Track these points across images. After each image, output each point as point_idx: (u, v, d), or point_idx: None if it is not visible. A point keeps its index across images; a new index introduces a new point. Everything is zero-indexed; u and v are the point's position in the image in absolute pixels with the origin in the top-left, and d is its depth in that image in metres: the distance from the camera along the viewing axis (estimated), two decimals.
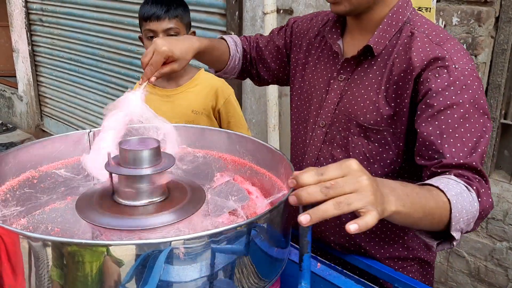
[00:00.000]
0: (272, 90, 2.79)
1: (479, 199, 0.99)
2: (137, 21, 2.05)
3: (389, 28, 1.20)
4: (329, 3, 1.22)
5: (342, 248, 1.32)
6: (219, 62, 1.50)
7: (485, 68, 2.20)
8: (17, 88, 5.66)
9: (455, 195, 0.93)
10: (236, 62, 1.53)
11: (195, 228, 0.97)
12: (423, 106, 1.10)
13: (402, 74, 1.16)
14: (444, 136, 1.06)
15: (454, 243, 0.97)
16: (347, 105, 1.24)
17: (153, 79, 1.21)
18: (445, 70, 1.09)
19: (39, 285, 0.79)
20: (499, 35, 2.15)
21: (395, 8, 1.21)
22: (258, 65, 1.54)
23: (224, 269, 0.82)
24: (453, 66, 1.09)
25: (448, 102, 1.07)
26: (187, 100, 2.03)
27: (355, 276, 1.07)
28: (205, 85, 2.03)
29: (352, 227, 0.71)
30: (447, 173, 1.02)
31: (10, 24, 5.39)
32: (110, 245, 0.75)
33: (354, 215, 1.26)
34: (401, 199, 0.82)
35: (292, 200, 0.74)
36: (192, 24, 3.32)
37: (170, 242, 0.76)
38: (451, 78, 1.08)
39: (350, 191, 0.72)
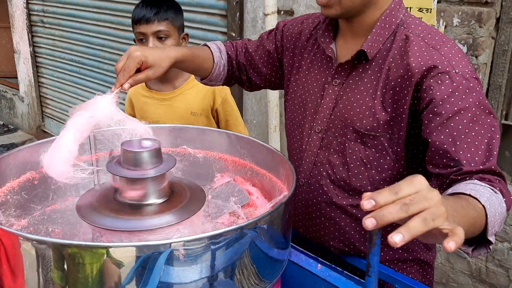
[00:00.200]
0: (273, 91, 2.79)
1: (504, 199, 1.00)
2: None
3: (383, 31, 1.19)
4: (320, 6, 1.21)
5: (342, 252, 1.32)
6: (203, 70, 1.47)
7: (485, 69, 2.20)
8: (18, 89, 5.66)
9: (487, 200, 0.94)
10: (221, 69, 1.50)
11: (196, 229, 0.97)
12: (431, 115, 1.09)
13: (399, 80, 1.15)
14: (458, 143, 1.06)
15: (491, 247, 0.96)
16: (343, 110, 1.23)
17: (126, 85, 1.16)
18: (447, 76, 1.09)
19: (39, 286, 0.79)
20: (499, 36, 2.14)
21: (387, 11, 1.19)
22: (249, 71, 1.51)
23: (225, 270, 0.82)
24: (454, 71, 1.09)
25: (456, 108, 1.07)
26: (185, 103, 2.02)
27: (355, 277, 1.07)
28: (202, 86, 2.03)
29: (451, 245, 0.69)
30: (468, 178, 1.02)
31: (12, 25, 5.39)
32: (110, 246, 0.75)
33: (352, 218, 1.27)
34: (452, 216, 0.81)
35: (371, 223, 0.70)
36: (193, 25, 3.34)
37: (170, 243, 0.76)
38: (454, 84, 1.08)
39: (428, 206, 0.71)
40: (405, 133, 1.16)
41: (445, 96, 1.08)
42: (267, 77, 1.50)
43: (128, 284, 0.76)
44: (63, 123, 5.54)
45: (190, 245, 0.76)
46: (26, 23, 5.10)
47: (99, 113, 1.03)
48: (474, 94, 1.08)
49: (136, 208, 0.96)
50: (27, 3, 5.00)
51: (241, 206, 1.15)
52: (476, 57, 2.15)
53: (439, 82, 1.09)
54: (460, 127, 1.06)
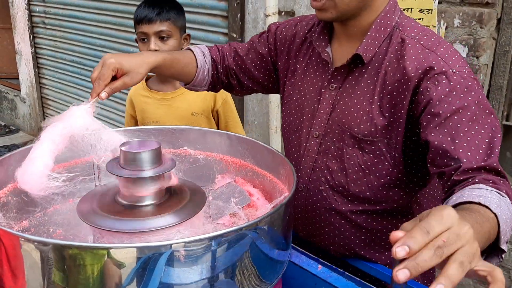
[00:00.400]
0: None
1: (511, 202, 0.95)
2: None
3: (378, 34, 1.17)
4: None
5: (343, 255, 1.32)
6: (185, 75, 1.43)
7: (487, 69, 2.20)
8: (20, 90, 5.67)
9: (497, 206, 0.88)
10: (205, 74, 1.45)
11: (196, 230, 0.97)
12: (428, 116, 1.07)
13: (396, 84, 1.13)
14: (456, 141, 1.02)
15: (503, 256, 0.91)
16: (340, 115, 1.22)
17: (103, 95, 1.13)
18: (444, 76, 1.07)
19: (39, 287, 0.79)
20: (500, 37, 2.14)
21: (382, 13, 1.18)
22: (239, 75, 1.47)
23: (225, 271, 0.82)
24: (451, 70, 1.07)
25: (454, 108, 1.04)
26: (186, 103, 2.03)
27: (356, 278, 1.07)
28: None
29: None
30: (471, 179, 0.98)
31: (13, 26, 5.40)
32: (111, 248, 0.75)
33: (351, 223, 1.26)
34: None
35: (404, 276, 0.60)
36: (194, 26, 3.34)
37: (171, 244, 0.76)
38: (451, 83, 1.06)
39: (461, 245, 0.64)
40: (403, 138, 1.15)
41: (442, 96, 1.05)
42: (259, 80, 1.47)
43: (128, 285, 0.76)
44: None
45: (191, 246, 0.76)
46: (28, 25, 5.10)
47: (74, 124, 1.01)
48: (473, 93, 1.05)
49: (137, 209, 0.96)
50: (29, 4, 5.01)
51: (242, 207, 1.14)
52: (477, 58, 2.15)
53: (436, 83, 1.07)
54: (458, 125, 1.03)
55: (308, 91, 1.31)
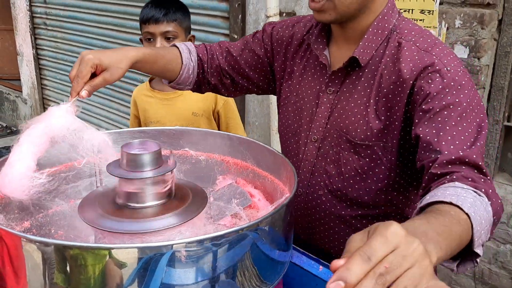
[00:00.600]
0: None
1: (490, 202, 0.91)
2: (139, 25, 2.06)
3: (375, 37, 1.16)
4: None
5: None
6: (169, 72, 1.36)
7: (488, 70, 2.20)
8: (21, 91, 5.68)
9: (471, 206, 0.84)
10: (190, 72, 1.39)
11: (197, 231, 0.97)
12: (420, 113, 1.06)
13: (392, 87, 1.12)
14: (441, 134, 1.01)
15: (478, 260, 0.86)
16: (338, 120, 1.21)
17: (84, 93, 1.09)
18: (437, 74, 1.06)
19: None
20: (502, 38, 2.14)
21: (380, 16, 1.17)
22: (233, 75, 1.43)
23: (226, 272, 0.82)
24: (445, 68, 1.06)
25: (444, 103, 1.03)
26: (187, 103, 2.04)
27: None
28: None
29: None
30: (449, 176, 0.95)
31: (15, 27, 5.41)
32: (112, 248, 0.75)
33: (351, 228, 1.25)
34: (436, 242, 0.71)
35: None
36: (195, 27, 3.34)
37: (172, 245, 0.76)
38: (445, 81, 1.05)
39: (409, 266, 0.58)
40: (399, 141, 1.14)
41: (435, 93, 1.05)
42: (254, 81, 1.44)
43: (130, 286, 0.76)
44: None
45: (192, 247, 0.76)
46: (29, 26, 5.11)
47: (54, 124, 0.98)
48: (465, 91, 1.05)
49: (138, 210, 0.96)
50: (30, 5, 5.02)
51: (243, 208, 1.14)
52: (478, 59, 2.15)
53: (430, 81, 1.06)
54: (446, 119, 1.02)
55: (306, 95, 1.29)
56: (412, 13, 2.19)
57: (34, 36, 5.14)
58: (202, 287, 0.80)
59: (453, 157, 0.97)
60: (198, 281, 0.79)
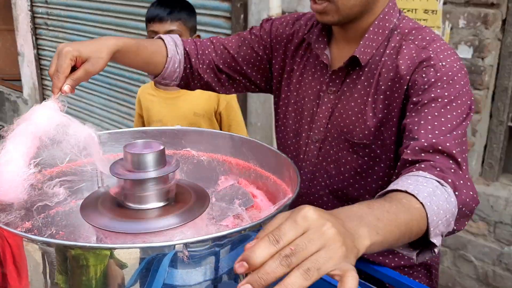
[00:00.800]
0: None
1: (456, 193, 0.91)
2: (141, 24, 2.08)
3: (375, 36, 1.17)
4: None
5: None
6: (153, 65, 1.30)
7: (492, 71, 2.19)
8: (22, 92, 5.68)
9: (428, 195, 0.84)
10: (176, 65, 1.33)
11: (200, 231, 0.97)
12: (411, 106, 1.07)
13: (389, 83, 1.13)
14: (422, 122, 1.01)
15: (436, 250, 0.87)
16: (339, 119, 1.21)
17: (66, 88, 1.04)
18: (432, 69, 1.07)
19: None
20: (506, 38, 2.14)
21: (381, 15, 1.17)
22: (229, 71, 1.38)
23: (229, 273, 0.82)
24: (440, 63, 1.07)
25: (433, 95, 1.04)
26: (189, 103, 2.04)
27: (360, 280, 1.06)
28: None
29: None
30: (417, 164, 0.95)
31: (16, 28, 5.42)
32: (114, 248, 0.75)
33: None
34: (373, 226, 0.71)
35: None
36: (197, 27, 3.34)
37: (174, 245, 0.75)
38: (438, 74, 1.06)
39: (316, 249, 0.59)
40: (396, 137, 1.14)
41: (426, 86, 1.05)
42: (252, 79, 1.40)
43: (132, 286, 0.75)
44: None
45: (195, 247, 0.76)
46: (30, 26, 5.12)
47: (39, 123, 0.94)
48: (456, 86, 1.05)
49: (140, 211, 0.95)
50: (31, 5, 5.03)
51: (245, 209, 1.14)
52: (482, 59, 2.14)
53: (424, 75, 1.07)
54: (430, 109, 1.02)
55: (306, 94, 1.28)
56: (415, 13, 2.18)
57: (35, 36, 5.14)
58: None
59: (425, 144, 0.97)
60: (201, 282, 0.79)
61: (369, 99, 1.15)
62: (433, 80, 1.06)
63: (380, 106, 1.14)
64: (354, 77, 1.19)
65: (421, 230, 0.83)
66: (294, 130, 1.33)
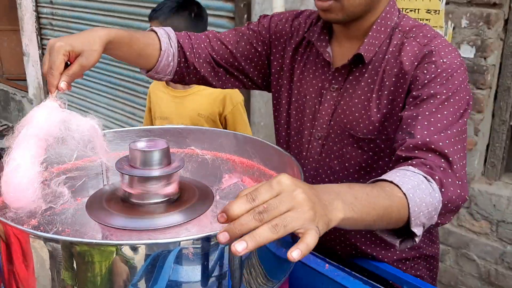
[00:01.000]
0: None
1: (442, 190, 0.95)
2: (145, 25, 2.09)
3: (378, 34, 1.18)
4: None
5: (349, 256, 1.32)
6: (146, 58, 1.25)
7: (494, 70, 2.19)
8: (27, 92, 5.70)
9: (412, 188, 0.88)
10: (170, 59, 1.29)
11: (204, 228, 0.98)
12: (410, 99, 1.10)
13: (394, 79, 1.14)
14: (419, 117, 1.04)
15: (416, 239, 0.92)
16: (342, 116, 1.22)
17: (63, 85, 1.01)
18: (433, 65, 1.09)
19: (49, 284, 0.80)
20: (508, 38, 2.14)
21: (382, 14, 1.19)
22: (226, 66, 1.36)
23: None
24: (441, 60, 1.09)
25: (432, 91, 1.06)
26: (195, 103, 2.05)
27: (363, 277, 1.07)
28: (214, 90, 2.04)
29: (295, 254, 0.65)
30: (410, 161, 0.99)
31: (21, 28, 5.43)
32: (120, 245, 0.75)
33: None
34: (349, 203, 0.77)
35: (224, 237, 0.66)
36: None
37: (179, 242, 0.76)
38: (438, 70, 1.08)
39: (286, 210, 0.67)
40: None
41: (426, 81, 1.08)
42: (249, 75, 1.38)
43: (137, 282, 0.76)
44: None
45: (199, 244, 0.77)
46: (35, 26, 5.14)
47: (41, 123, 0.93)
48: (455, 82, 1.08)
49: (145, 208, 0.96)
50: (36, 6, 5.04)
51: None
52: (485, 58, 2.15)
53: (425, 71, 1.09)
54: (428, 105, 1.05)
55: (308, 92, 1.29)
56: (418, 12, 2.18)
57: (40, 36, 5.16)
58: (209, 284, 0.80)
59: (419, 142, 1.00)
60: (205, 278, 0.80)
61: (373, 95, 1.17)
62: (433, 75, 1.08)
63: (385, 101, 1.16)
64: (357, 74, 1.21)
65: (402, 219, 0.88)
66: (296, 128, 1.33)
